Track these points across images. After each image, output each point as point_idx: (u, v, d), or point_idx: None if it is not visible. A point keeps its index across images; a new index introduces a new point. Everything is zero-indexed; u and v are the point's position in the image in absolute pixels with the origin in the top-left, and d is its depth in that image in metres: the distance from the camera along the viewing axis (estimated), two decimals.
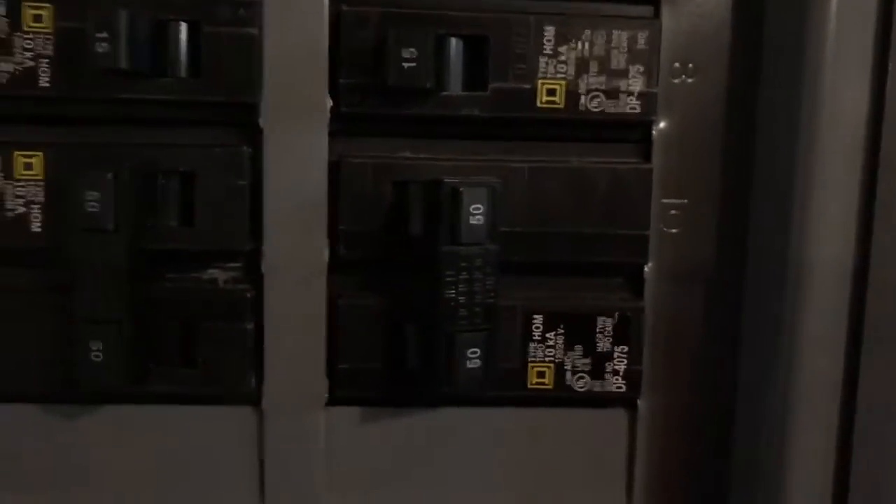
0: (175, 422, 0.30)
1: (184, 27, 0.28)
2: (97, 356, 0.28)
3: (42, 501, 0.30)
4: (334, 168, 0.29)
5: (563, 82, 0.29)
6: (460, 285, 0.28)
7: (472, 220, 0.28)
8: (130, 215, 0.28)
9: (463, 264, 0.28)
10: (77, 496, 0.30)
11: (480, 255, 0.28)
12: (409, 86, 0.28)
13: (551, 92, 0.29)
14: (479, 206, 0.28)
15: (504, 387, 0.30)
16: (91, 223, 0.27)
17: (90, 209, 0.27)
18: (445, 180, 0.28)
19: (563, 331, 0.30)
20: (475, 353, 0.29)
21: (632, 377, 0.31)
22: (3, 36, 0.28)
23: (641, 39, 0.29)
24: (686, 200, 0.31)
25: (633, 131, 0.30)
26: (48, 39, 0.28)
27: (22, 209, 0.29)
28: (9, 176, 0.28)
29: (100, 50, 0.27)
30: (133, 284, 0.28)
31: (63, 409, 0.30)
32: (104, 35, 0.27)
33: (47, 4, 0.28)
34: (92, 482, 0.30)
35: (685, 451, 0.32)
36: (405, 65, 0.27)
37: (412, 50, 0.27)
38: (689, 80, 0.30)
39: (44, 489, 0.30)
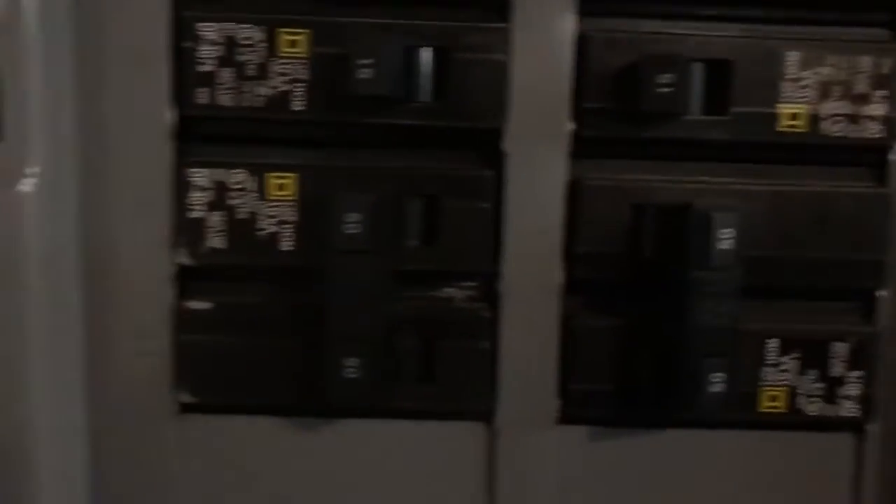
0: (408, 437, 0.31)
1: (432, 53, 0.29)
2: (351, 372, 0.28)
3: None
4: (572, 190, 0.30)
5: (805, 106, 0.29)
6: (708, 310, 0.28)
7: (722, 245, 0.28)
8: (386, 237, 0.28)
9: (712, 289, 0.28)
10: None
11: (728, 279, 0.28)
12: (662, 111, 0.28)
13: (793, 116, 0.29)
14: (728, 230, 0.28)
15: (736, 410, 0.30)
16: (349, 244, 0.28)
17: (349, 231, 0.28)
18: (696, 205, 0.28)
19: (798, 355, 0.30)
20: (718, 377, 0.29)
21: (865, 402, 0.31)
22: (260, 61, 0.29)
23: (884, 64, 0.29)
24: None
25: (871, 156, 0.30)
26: (303, 64, 0.29)
27: (274, 228, 0.30)
28: (262, 196, 0.29)
29: (362, 76, 0.27)
30: (385, 303, 0.29)
31: (301, 422, 0.31)
32: (367, 62, 0.27)
33: (303, 31, 0.29)
34: (324, 493, 0.31)
35: None
36: (659, 90, 0.28)
37: (668, 75, 0.28)
38: None
39: (278, 499, 0.31)
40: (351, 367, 0.28)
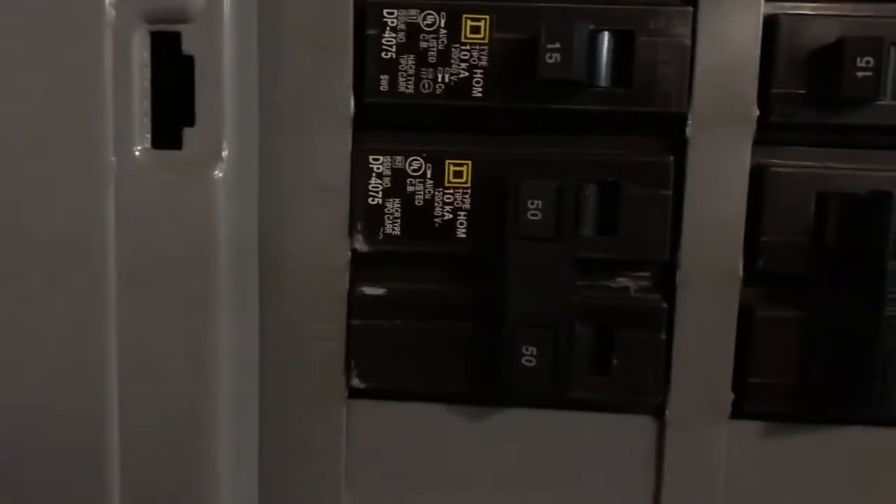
0: (579, 428, 0.31)
1: (616, 37, 0.28)
2: (530, 361, 0.28)
3: (450, 500, 0.31)
4: (756, 178, 0.29)
5: None
6: None
7: None
8: (567, 225, 0.28)
9: None
10: (476, 494, 0.31)
11: None
12: (861, 96, 0.27)
13: None
14: None
15: None
16: (532, 231, 0.28)
17: (531, 217, 0.28)
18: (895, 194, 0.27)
19: None
20: None
21: None
22: (441, 47, 0.29)
23: None
24: None
25: None
26: (484, 50, 0.29)
27: (449, 216, 0.30)
28: (439, 184, 0.29)
29: (551, 61, 0.27)
30: (566, 292, 0.28)
31: (471, 411, 0.31)
32: (555, 46, 0.27)
33: (485, 16, 0.28)
34: (491, 482, 0.31)
35: None
36: (860, 74, 0.27)
37: (868, 59, 0.26)
38: None
39: (445, 487, 0.31)
40: (530, 355, 0.28)
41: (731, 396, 0.30)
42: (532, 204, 0.28)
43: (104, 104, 0.27)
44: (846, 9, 0.28)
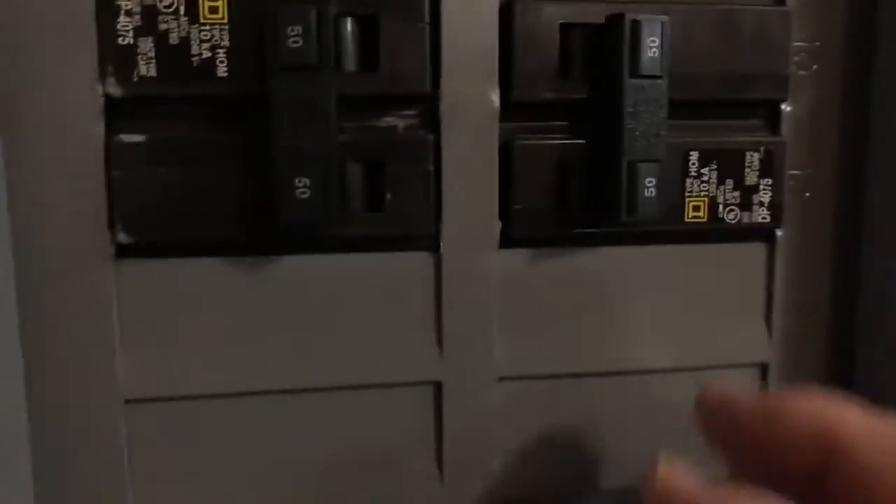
0: (356, 269, 0.31)
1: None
2: (304, 192, 0.28)
3: (230, 353, 0.31)
4: (504, 10, 0.30)
5: None
6: (640, 116, 0.30)
7: (650, 53, 0.30)
8: (331, 51, 0.28)
9: (642, 96, 0.30)
10: (259, 342, 0.31)
11: (656, 87, 0.30)
12: None
13: None
14: (654, 39, 0.30)
15: (665, 222, 0.32)
16: (294, 59, 0.28)
17: (293, 45, 0.27)
18: (626, 15, 0.30)
19: (715, 166, 0.33)
20: (651, 181, 0.30)
21: (775, 208, 0.33)
22: None
23: None
24: (818, 43, 0.33)
25: None
26: None
27: (208, 54, 0.29)
28: (194, 20, 0.28)
29: None
30: (333, 124, 0.28)
31: (245, 261, 0.30)
32: None
33: None
34: (271, 330, 0.31)
35: (818, 278, 0.35)
36: None
37: None
38: None
39: (224, 339, 0.31)
40: (303, 186, 0.28)
41: (498, 224, 0.32)
42: (292, 31, 0.27)
43: None
44: None
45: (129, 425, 0.30)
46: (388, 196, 0.30)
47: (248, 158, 0.29)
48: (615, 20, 0.30)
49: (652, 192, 0.30)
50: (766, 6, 0.32)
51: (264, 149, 0.28)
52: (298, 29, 0.27)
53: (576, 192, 0.32)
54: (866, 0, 0.33)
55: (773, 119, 0.33)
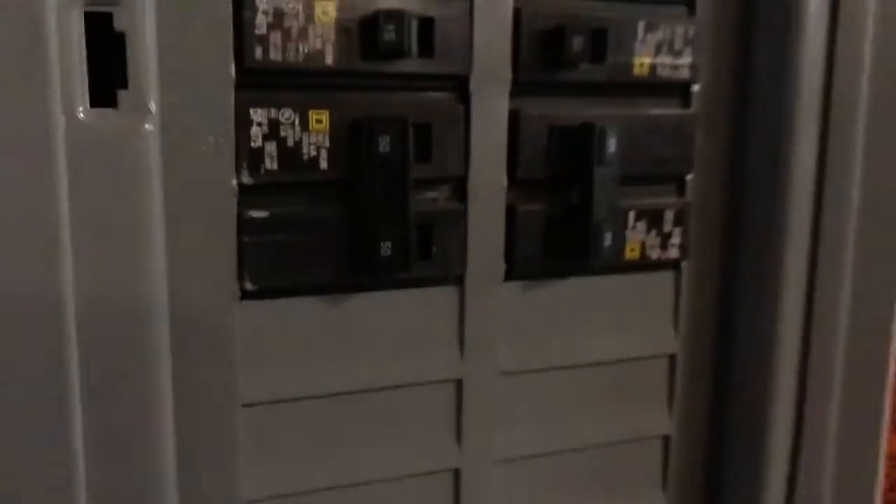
0: (412, 301, 0.43)
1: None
2: (386, 252, 0.40)
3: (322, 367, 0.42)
4: (513, 122, 0.43)
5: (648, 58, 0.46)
6: (603, 192, 0.44)
7: (610, 149, 0.44)
8: (409, 151, 0.40)
9: (605, 177, 0.44)
10: (349, 352, 0.42)
11: (613, 170, 0.44)
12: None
13: (642, 66, 0.46)
14: (613, 139, 0.44)
15: (615, 259, 0.46)
16: (384, 158, 0.39)
17: (383, 150, 0.39)
18: (596, 124, 0.43)
19: (645, 221, 0.47)
20: (609, 235, 0.45)
21: (682, 247, 0.48)
22: (300, 25, 0.38)
23: None
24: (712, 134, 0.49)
25: (680, 90, 0.48)
26: (331, 29, 0.39)
27: (314, 153, 0.40)
28: (305, 129, 0.39)
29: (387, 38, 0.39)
30: (408, 201, 0.40)
31: (342, 298, 0.42)
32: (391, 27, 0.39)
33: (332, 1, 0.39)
34: (359, 344, 0.43)
35: (715, 297, 0.50)
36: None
37: None
38: None
39: (326, 351, 0.42)
40: (386, 247, 0.40)
41: (503, 266, 0.45)
42: (383, 139, 0.39)
43: (50, 74, 0.33)
44: None
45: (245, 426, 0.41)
46: (434, 249, 0.43)
47: (344, 227, 0.41)
48: (588, 127, 0.44)
49: (609, 242, 0.45)
50: (678, 111, 0.47)
51: (356, 219, 0.40)
52: (387, 138, 0.39)
53: (557, 243, 0.45)
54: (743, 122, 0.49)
55: (681, 187, 0.49)
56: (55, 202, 0.33)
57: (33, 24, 0.32)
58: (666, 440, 0.51)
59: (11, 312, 0.33)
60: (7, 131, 0.32)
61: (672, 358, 0.50)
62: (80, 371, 0.35)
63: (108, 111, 0.34)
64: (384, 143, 0.39)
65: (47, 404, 0.34)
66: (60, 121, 0.33)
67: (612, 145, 0.44)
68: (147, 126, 0.35)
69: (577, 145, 0.44)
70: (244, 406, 0.41)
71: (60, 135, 0.33)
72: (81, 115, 0.34)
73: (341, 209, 0.41)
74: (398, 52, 0.39)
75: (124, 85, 0.34)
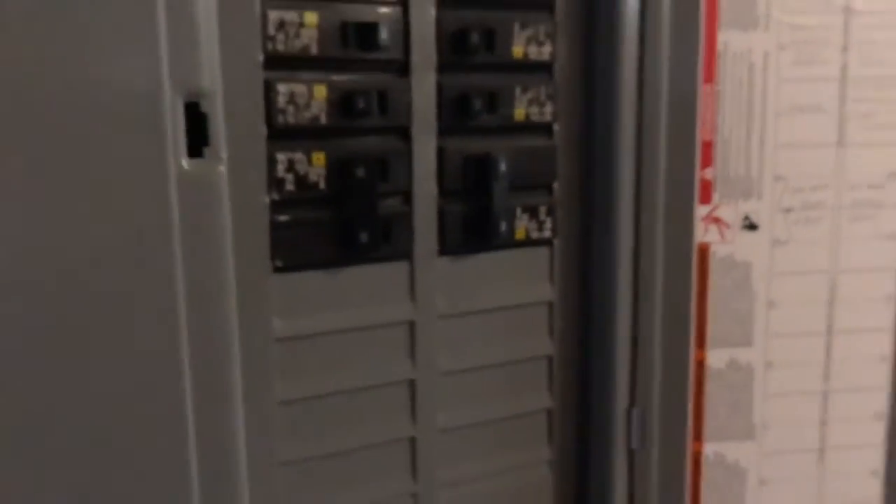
0: (377, 272, 0.67)
1: None
2: (364, 239, 0.64)
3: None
4: (441, 157, 0.68)
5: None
6: (500, 196, 0.69)
7: (502, 169, 0.69)
8: (374, 177, 0.64)
9: (499, 189, 0.69)
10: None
11: (505, 182, 0.69)
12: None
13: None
14: (504, 164, 0.69)
15: (508, 239, 0.71)
16: (360, 181, 0.63)
17: (359, 175, 0.63)
18: (492, 153, 0.68)
19: (527, 214, 0.72)
20: (504, 224, 0.69)
21: (554, 230, 0.74)
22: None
23: None
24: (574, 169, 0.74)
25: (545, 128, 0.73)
26: (324, 102, 0.63)
27: (316, 179, 0.63)
28: (310, 164, 0.63)
29: None
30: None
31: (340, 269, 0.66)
32: None
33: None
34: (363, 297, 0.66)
35: (577, 262, 0.76)
36: None
37: None
38: None
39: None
40: (363, 235, 0.64)
41: (437, 246, 0.69)
42: (359, 169, 0.63)
43: (166, 139, 0.56)
44: None
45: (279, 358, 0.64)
46: (392, 236, 0.67)
47: (336, 224, 0.64)
48: (488, 155, 0.68)
49: (504, 228, 0.70)
50: (545, 143, 0.73)
51: (344, 219, 0.64)
52: (362, 168, 0.63)
53: (472, 230, 0.70)
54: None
55: (550, 191, 0.74)
56: (169, 215, 0.56)
57: (157, 111, 0.55)
58: (549, 359, 0.77)
59: (125, 289, 0.56)
60: (140, 174, 0.55)
61: (550, 304, 0.76)
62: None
63: (199, 160, 0.57)
64: (360, 171, 0.63)
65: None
66: (173, 165, 0.56)
67: (503, 167, 0.69)
68: (221, 168, 0.58)
69: (481, 168, 0.69)
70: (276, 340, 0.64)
71: (174, 175, 0.56)
72: (184, 162, 0.57)
73: (334, 213, 0.64)
74: (366, 114, 0.64)
75: (206, 143, 0.57)
